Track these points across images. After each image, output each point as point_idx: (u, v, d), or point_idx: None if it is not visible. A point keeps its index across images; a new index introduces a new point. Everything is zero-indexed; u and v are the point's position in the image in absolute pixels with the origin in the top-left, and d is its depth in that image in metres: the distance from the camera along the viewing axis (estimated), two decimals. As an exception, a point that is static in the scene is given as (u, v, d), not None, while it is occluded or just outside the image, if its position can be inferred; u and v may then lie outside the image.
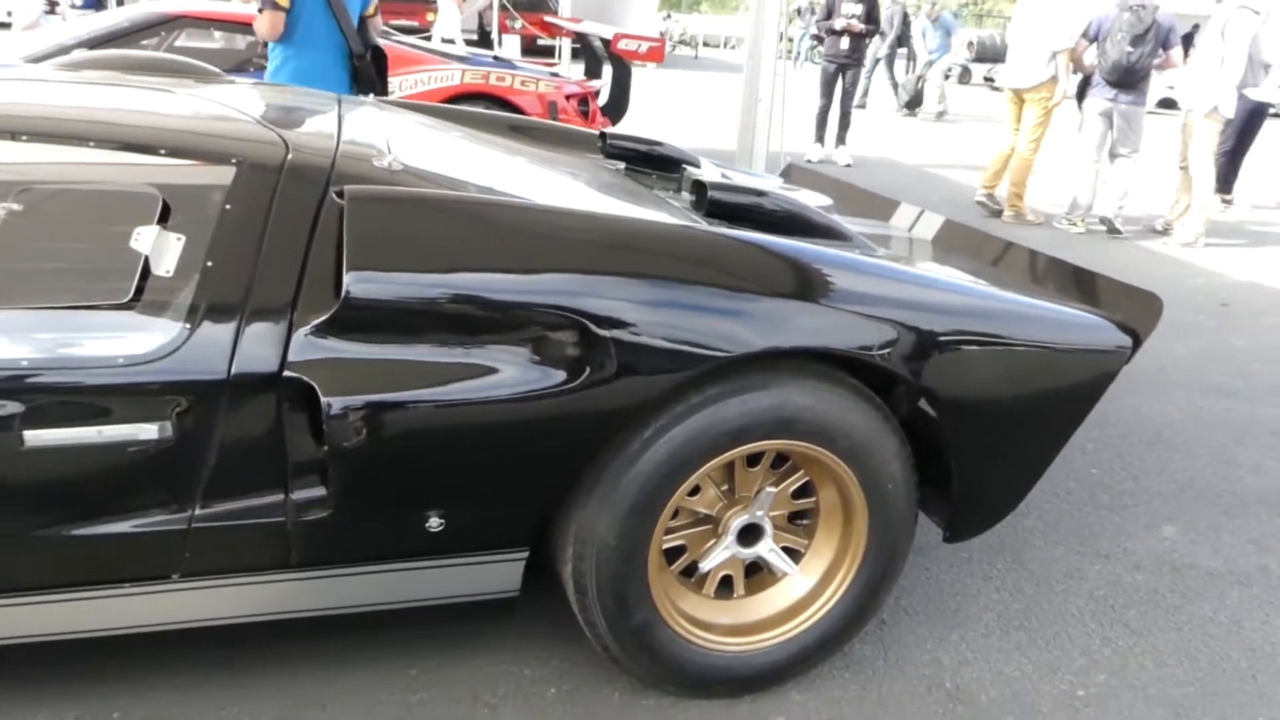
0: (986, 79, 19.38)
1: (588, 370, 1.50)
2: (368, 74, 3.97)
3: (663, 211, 2.00)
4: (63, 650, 1.52)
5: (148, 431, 1.40)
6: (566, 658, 1.87)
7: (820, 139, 8.56)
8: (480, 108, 4.70)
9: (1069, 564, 2.36)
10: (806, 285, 1.66)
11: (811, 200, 2.42)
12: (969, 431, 1.78)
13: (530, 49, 11.02)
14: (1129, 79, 6.02)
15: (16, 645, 1.48)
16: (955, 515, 1.86)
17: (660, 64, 7.35)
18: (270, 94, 2.24)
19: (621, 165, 2.64)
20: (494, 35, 11.69)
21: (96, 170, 2.00)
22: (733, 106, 6.99)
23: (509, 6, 10.21)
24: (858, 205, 2.82)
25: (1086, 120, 6.37)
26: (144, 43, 5.08)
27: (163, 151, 1.57)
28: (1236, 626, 2.16)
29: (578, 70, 7.70)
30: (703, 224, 1.92)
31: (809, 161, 7.71)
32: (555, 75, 5.99)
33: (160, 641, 1.55)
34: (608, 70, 6.58)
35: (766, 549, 1.78)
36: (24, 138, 1.52)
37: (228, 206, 1.50)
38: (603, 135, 2.73)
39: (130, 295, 1.50)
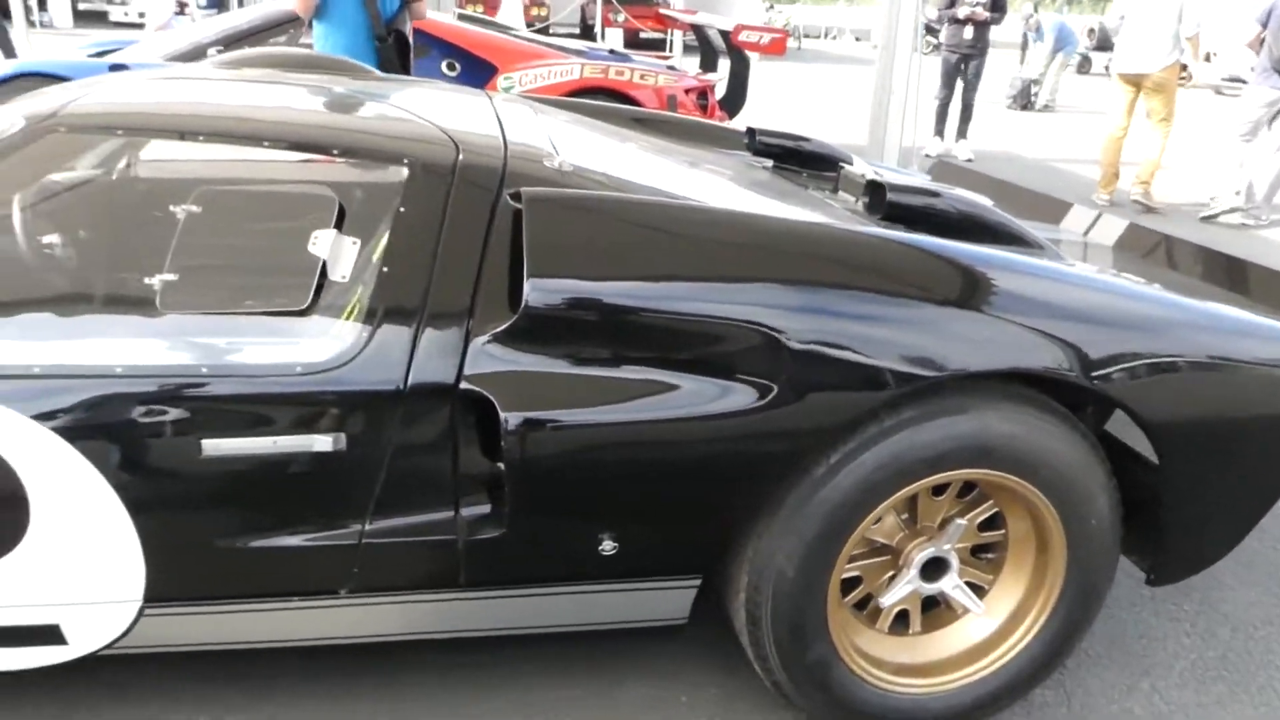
0: (1108, 68, 18.43)
1: (775, 389, 1.39)
2: (388, 56, 3.95)
3: (825, 214, 1.87)
4: (217, 652, 1.50)
5: (322, 443, 1.36)
6: (723, 686, 1.77)
7: (940, 132, 8.19)
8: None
9: (1267, 609, 2.13)
10: (1011, 300, 1.50)
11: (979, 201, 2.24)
12: (1185, 463, 1.59)
13: (633, 43, 10.94)
14: None
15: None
16: (1163, 556, 1.68)
17: (781, 56, 7.14)
18: (423, 91, 2.20)
19: (769, 163, 2.51)
20: (597, 28, 11.66)
21: (264, 168, 1.99)
22: (847, 99, 6.73)
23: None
24: (1021, 206, 2.62)
25: (1248, 109, 5.97)
26: (272, 40, 5.20)
27: (335, 151, 1.53)
28: None
29: (688, 64, 7.56)
30: (878, 228, 1.78)
31: (926, 156, 7.39)
32: (672, 69, 5.89)
33: (318, 648, 1.52)
34: (724, 63, 6.43)
35: (951, 585, 1.64)
36: (200, 138, 1.50)
37: (401, 209, 1.45)
38: (750, 131, 2.61)
39: (308, 301, 1.47)
